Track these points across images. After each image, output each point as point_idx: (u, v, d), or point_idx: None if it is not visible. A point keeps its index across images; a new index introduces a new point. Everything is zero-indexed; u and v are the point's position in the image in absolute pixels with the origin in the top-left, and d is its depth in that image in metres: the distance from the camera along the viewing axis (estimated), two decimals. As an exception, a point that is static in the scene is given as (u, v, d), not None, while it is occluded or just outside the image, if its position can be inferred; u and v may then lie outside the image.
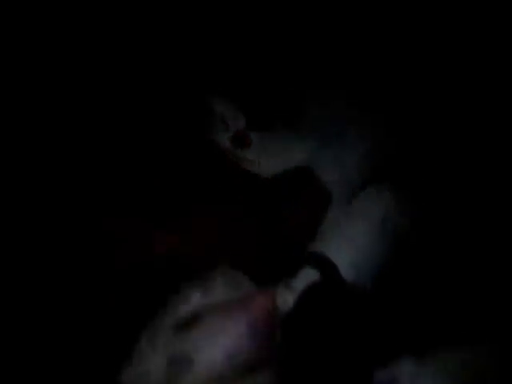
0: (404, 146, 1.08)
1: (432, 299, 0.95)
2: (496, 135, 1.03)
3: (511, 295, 0.93)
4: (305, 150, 1.06)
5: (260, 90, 1.12)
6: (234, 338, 0.86)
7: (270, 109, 1.09)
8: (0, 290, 0.93)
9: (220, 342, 0.85)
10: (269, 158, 1.05)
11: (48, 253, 0.97)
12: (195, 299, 0.91)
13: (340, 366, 0.89)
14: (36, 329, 0.91)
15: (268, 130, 1.07)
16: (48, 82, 1.10)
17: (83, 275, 0.96)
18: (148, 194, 1.08)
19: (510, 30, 1.06)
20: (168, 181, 1.09)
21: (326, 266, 0.95)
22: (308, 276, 0.95)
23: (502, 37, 1.06)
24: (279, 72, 1.13)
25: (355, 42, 1.14)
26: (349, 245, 0.96)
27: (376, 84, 1.13)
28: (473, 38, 1.08)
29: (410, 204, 1.00)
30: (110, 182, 1.06)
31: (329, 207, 1.02)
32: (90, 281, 0.96)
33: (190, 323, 0.87)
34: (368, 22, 1.12)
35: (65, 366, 0.88)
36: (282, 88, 1.13)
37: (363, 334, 0.91)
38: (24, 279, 0.96)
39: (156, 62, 1.15)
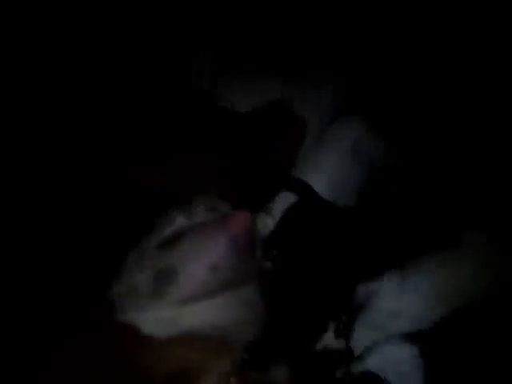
0: (376, 83, 1.14)
1: (411, 213, 1.00)
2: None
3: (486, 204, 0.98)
4: (279, 89, 1.12)
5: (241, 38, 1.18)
6: (215, 253, 0.92)
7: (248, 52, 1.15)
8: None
9: (203, 256, 0.91)
10: (243, 96, 1.11)
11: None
12: (179, 221, 0.97)
13: (323, 280, 0.94)
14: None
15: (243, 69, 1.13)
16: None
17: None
18: (138, 140, 1.15)
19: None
20: (156, 127, 1.15)
21: (302, 189, 1.00)
22: (287, 200, 1.01)
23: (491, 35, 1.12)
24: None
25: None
26: (323, 170, 1.02)
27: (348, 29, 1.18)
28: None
29: (381, 131, 1.05)
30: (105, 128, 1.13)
31: (305, 139, 1.08)
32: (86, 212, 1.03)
33: (174, 241, 0.94)
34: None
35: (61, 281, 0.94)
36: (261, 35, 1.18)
37: (344, 250, 0.96)
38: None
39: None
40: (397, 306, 0.87)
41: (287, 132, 1.15)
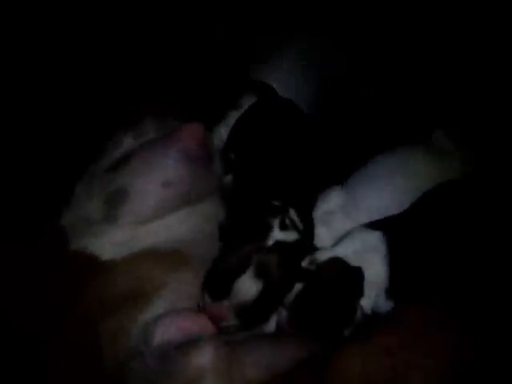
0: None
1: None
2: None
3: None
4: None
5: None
6: (166, 167, 0.86)
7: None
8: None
9: (153, 173, 0.86)
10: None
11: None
12: (127, 143, 0.92)
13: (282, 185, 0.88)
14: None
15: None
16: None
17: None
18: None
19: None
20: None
21: (264, 90, 0.95)
22: (248, 101, 0.95)
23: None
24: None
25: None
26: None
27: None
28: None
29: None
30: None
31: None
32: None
33: (122, 162, 0.89)
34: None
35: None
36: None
37: (303, 150, 0.90)
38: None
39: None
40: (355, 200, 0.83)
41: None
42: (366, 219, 0.79)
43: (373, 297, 0.72)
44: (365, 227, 0.77)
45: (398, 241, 0.74)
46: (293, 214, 0.77)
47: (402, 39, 0.99)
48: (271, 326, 0.77)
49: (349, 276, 0.73)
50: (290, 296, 0.74)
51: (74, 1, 1.05)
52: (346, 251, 0.74)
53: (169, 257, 0.82)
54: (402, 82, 0.98)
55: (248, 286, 0.71)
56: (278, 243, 0.74)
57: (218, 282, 0.74)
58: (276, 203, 0.79)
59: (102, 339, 0.75)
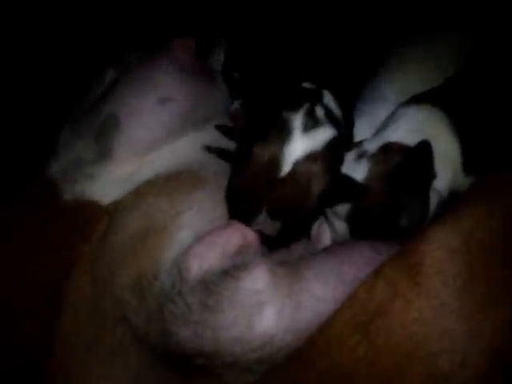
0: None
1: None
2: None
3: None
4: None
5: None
6: (161, 81, 0.72)
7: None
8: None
9: (146, 89, 0.71)
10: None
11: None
12: (109, 77, 0.78)
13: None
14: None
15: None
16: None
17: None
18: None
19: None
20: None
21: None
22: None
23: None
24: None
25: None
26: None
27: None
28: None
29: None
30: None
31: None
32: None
33: (109, 90, 0.74)
34: None
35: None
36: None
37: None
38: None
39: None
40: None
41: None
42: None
43: (450, 176, 0.60)
44: (410, 103, 0.64)
45: (457, 109, 0.62)
46: (329, 98, 0.63)
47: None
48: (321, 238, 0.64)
49: (416, 158, 0.57)
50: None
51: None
52: (401, 133, 0.60)
53: (179, 182, 0.68)
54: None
55: (267, 224, 0.58)
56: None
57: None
58: (306, 86, 0.63)
59: (121, 293, 0.62)
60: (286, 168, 0.57)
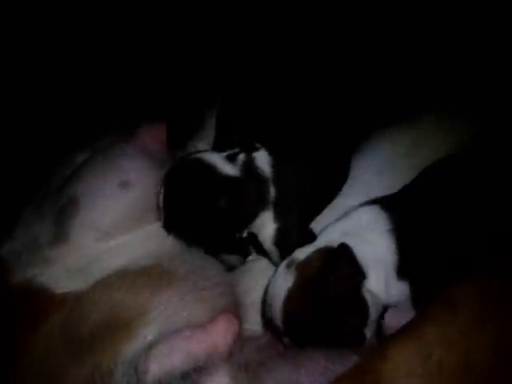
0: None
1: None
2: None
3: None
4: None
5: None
6: (123, 165, 0.70)
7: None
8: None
9: (107, 172, 0.69)
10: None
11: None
12: (81, 159, 0.76)
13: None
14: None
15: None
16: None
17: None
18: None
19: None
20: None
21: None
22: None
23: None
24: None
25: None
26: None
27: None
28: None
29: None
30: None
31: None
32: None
33: (74, 173, 0.72)
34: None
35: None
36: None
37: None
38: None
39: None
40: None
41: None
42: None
43: (382, 277, 0.60)
44: (366, 203, 0.66)
45: (400, 214, 0.64)
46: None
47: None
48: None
49: (338, 262, 0.59)
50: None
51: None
52: (336, 237, 0.62)
53: (147, 278, 0.65)
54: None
55: None
56: None
57: None
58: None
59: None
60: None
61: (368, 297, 0.59)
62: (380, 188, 0.71)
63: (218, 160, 0.67)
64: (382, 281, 0.61)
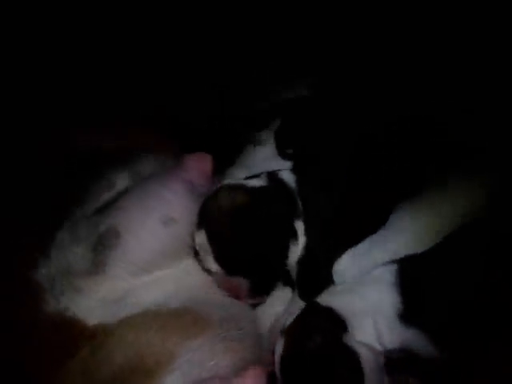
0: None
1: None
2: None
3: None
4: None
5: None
6: (167, 201, 0.69)
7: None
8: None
9: (152, 210, 0.68)
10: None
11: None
12: (120, 184, 0.74)
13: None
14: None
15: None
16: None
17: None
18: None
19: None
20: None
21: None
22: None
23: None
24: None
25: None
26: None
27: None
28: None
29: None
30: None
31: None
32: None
33: (114, 201, 0.71)
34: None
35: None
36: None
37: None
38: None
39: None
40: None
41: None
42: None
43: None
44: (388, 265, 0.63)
45: (411, 273, 0.61)
46: None
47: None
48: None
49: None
50: None
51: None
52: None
53: (178, 321, 0.63)
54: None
55: None
56: None
57: None
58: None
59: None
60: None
61: (363, 351, 0.56)
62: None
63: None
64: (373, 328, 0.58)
